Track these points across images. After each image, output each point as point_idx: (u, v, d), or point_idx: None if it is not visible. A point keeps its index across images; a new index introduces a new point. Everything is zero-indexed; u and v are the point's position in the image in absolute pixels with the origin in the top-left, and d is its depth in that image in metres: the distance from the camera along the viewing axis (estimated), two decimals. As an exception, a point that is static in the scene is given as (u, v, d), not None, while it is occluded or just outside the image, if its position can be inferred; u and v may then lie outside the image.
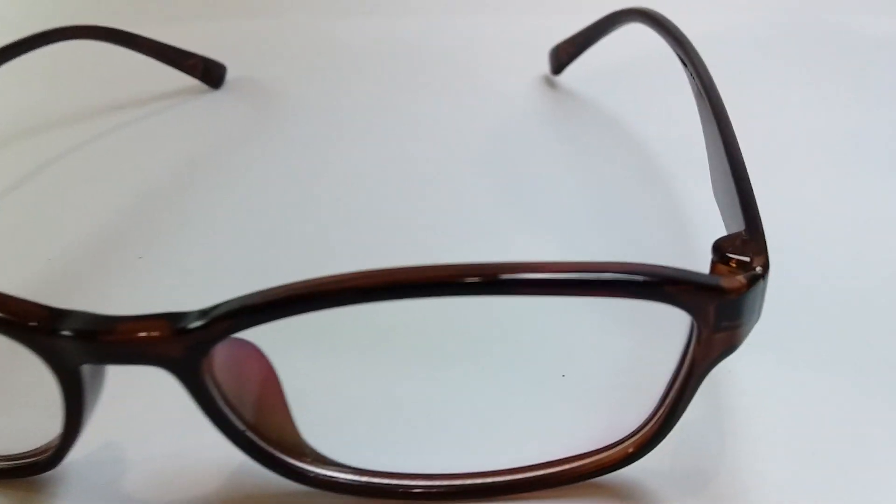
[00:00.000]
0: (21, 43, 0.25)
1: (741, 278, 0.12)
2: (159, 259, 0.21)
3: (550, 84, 0.30)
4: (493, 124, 0.27)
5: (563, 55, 0.28)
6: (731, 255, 0.12)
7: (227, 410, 0.12)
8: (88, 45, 0.28)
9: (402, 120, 0.28)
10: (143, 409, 0.15)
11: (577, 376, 0.16)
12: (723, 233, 0.13)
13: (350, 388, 0.16)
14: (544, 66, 0.30)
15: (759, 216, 0.13)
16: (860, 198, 0.22)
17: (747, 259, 0.12)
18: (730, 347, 0.12)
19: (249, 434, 0.13)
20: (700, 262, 0.13)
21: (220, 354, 0.12)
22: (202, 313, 0.11)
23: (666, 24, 0.22)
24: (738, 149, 0.15)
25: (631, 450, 0.13)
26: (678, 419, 0.13)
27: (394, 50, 0.34)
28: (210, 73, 0.31)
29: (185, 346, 0.11)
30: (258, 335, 0.12)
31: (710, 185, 0.17)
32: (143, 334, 0.11)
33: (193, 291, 0.15)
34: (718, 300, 0.12)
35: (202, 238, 0.22)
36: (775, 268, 0.12)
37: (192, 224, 0.22)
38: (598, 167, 0.24)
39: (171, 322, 0.11)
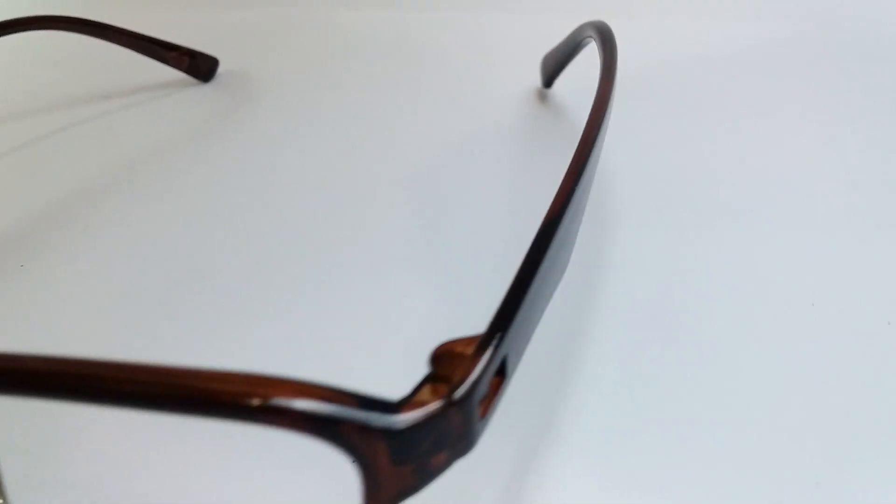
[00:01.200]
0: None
1: (433, 406, 0.09)
2: (41, 271, 0.20)
3: (541, 97, 0.26)
4: (458, 136, 0.24)
5: (550, 67, 0.25)
6: (440, 373, 0.09)
7: None
8: (71, 38, 0.28)
9: (378, 125, 0.26)
10: None
11: None
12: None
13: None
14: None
15: (511, 321, 0.10)
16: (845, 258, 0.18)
17: (458, 379, 0.09)
18: (422, 480, 0.09)
19: None
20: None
21: None
22: None
23: (606, 45, 0.18)
24: (549, 234, 0.12)
25: None
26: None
27: (395, 45, 0.31)
28: (197, 66, 0.30)
29: None
30: None
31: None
32: None
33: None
34: (388, 440, 0.09)
35: (89, 252, 0.20)
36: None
37: (90, 235, 0.21)
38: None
39: None
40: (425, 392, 0.09)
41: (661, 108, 0.25)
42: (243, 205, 0.22)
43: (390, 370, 0.15)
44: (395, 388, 0.09)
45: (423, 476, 0.09)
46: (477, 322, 0.10)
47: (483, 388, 0.09)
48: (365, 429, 0.08)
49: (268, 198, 0.22)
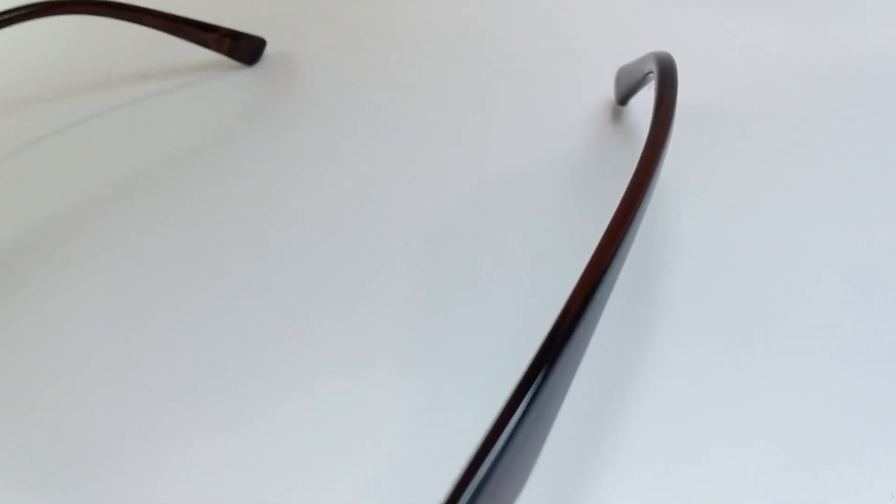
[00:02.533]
0: (10, 11, 0.23)
1: None
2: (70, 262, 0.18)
3: (615, 115, 0.22)
4: (512, 160, 0.20)
5: (623, 85, 0.20)
6: None
7: None
8: (101, 22, 0.26)
9: (424, 139, 0.22)
10: None
11: None
12: None
13: None
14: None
15: None
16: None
17: None
18: None
19: None
20: None
21: None
22: None
23: (666, 84, 0.13)
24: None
25: None
26: None
27: (460, 36, 0.27)
28: (240, 48, 0.27)
29: None
30: None
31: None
32: None
33: None
34: None
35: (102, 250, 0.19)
36: None
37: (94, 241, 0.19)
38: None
39: None
40: None
41: (729, 155, 0.20)
42: (247, 223, 0.19)
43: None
44: None
45: None
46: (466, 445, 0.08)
47: None
48: None
49: (277, 219, 0.19)
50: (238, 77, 0.27)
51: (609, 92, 0.22)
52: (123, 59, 0.28)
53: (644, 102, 0.22)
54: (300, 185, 0.21)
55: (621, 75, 0.20)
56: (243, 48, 0.27)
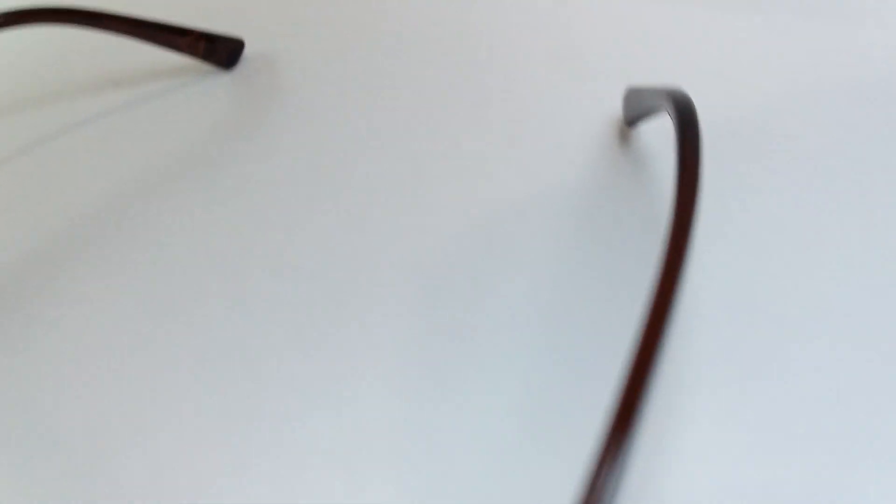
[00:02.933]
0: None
1: None
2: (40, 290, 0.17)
3: (622, 136, 0.20)
4: (508, 184, 0.19)
5: (633, 108, 0.18)
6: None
7: None
8: (58, 31, 0.24)
9: (413, 156, 0.20)
10: None
11: None
12: None
13: None
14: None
15: None
16: None
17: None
18: None
19: None
20: None
21: None
22: None
23: (686, 123, 0.12)
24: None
25: None
26: None
27: (458, 37, 0.25)
28: (216, 51, 0.25)
29: None
30: None
31: None
32: None
33: None
34: None
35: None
36: None
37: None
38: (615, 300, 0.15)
39: None
40: None
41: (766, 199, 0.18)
42: (224, 258, 0.17)
43: None
44: None
45: None
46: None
47: None
48: None
49: (257, 252, 0.18)
50: (215, 82, 0.25)
51: (615, 108, 0.20)
52: (88, 68, 0.26)
53: (655, 123, 0.20)
54: (283, 212, 0.19)
55: (630, 97, 0.18)
56: (220, 51, 0.25)
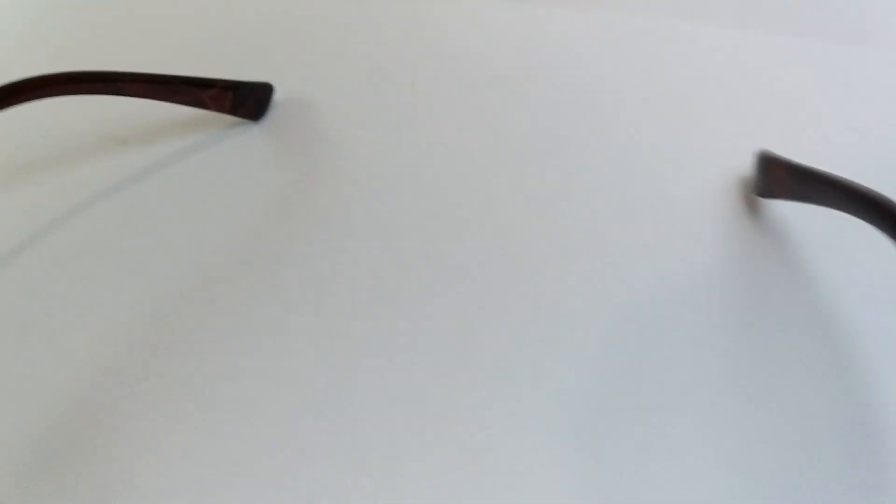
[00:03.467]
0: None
1: None
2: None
3: (750, 206, 0.17)
4: (608, 268, 0.16)
5: (774, 181, 0.16)
6: None
7: None
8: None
9: (492, 218, 0.18)
10: None
11: None
12: None
13: None
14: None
15: None
16: None
17: None
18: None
19: None
20: None
21: None
22: None
23: None
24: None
25: None
26: None
27: (544, 72, 0.22)
28: (244, 102, 0.22)
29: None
30: None
31: None
32: None
33: None
34: None
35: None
36: None
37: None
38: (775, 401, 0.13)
39: None
40: None
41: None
42: (261, 344, 0.15)
43: None
44: None
45: None
46: None
47: None
48: None
49: (295, 339, 0.15)
50: (244, 137, 0.22)
51: (739, 168, 0.18)
52: (100, 129, 0.23)
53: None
54: (325, 291, 0.17)
55: (767, 164, 0.16)
56: (249, 102, 0.22)
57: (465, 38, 0.23)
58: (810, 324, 0.15)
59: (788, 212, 0.17)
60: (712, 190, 0.18)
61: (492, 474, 0.14)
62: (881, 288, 0.15)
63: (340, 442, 0.15)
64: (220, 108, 0.22)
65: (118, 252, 0.19)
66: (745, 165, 0.18)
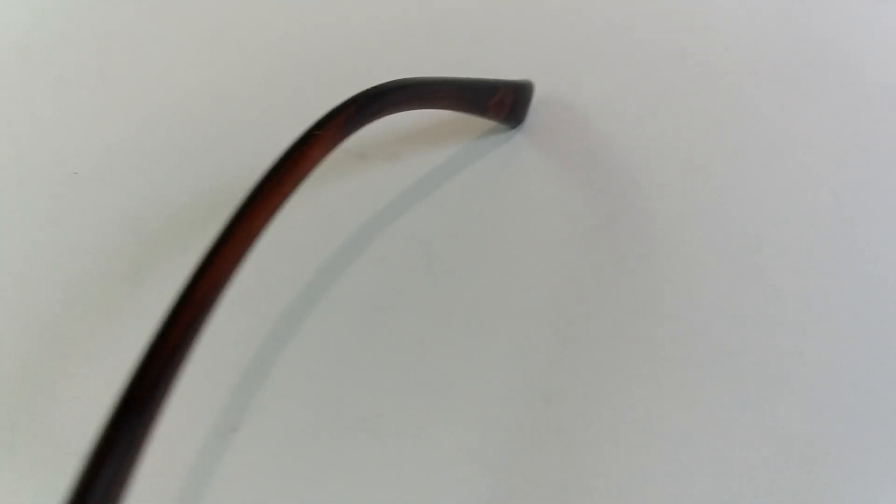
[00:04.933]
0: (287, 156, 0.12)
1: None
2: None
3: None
4: None
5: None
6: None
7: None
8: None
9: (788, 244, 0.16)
10: None
11: None
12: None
13: None
14: None
15: None
16: None
17: None
18: None
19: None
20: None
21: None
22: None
23: None
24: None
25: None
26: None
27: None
28: (519, 106, 0.18)
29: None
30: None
31: None
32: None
33: None
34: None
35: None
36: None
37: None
38: None
39: None
40: None
41: None
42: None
43: None
44: None
45: None
46: None
47: None
48: None
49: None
50: (507, 145, 0.18)
51: None
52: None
53: None
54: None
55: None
56: (521, 105, 0.18)
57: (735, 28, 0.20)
58: None
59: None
60: None
61: None
62: None
63: None
64: (496, 116, 0.17)
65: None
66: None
